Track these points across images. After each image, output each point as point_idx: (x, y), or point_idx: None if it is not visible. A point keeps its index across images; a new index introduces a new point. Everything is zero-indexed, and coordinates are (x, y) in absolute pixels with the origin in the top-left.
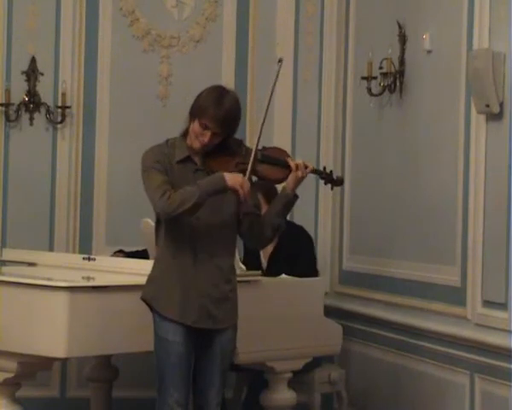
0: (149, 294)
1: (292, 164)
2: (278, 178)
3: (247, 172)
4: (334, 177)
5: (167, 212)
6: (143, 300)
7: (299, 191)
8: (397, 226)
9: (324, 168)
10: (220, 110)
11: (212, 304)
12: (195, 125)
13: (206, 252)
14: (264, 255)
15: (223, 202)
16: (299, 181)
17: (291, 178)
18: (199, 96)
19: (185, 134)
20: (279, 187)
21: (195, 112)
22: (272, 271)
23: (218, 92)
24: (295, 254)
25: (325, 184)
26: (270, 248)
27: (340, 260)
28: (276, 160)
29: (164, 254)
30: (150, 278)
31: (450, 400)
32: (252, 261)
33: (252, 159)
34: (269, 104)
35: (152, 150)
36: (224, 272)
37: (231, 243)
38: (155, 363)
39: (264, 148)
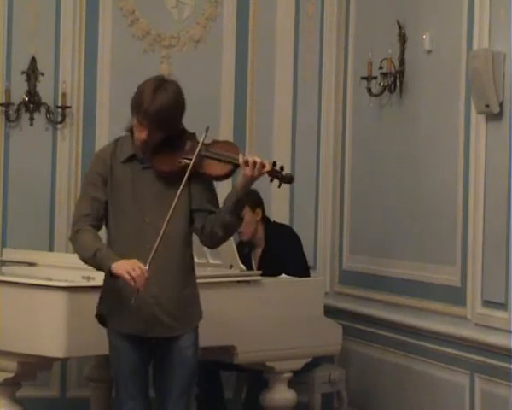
0: (102, 309)
1: (240, 160)
2: (219, 174)
3: (188, 169)
4: (284, 173)
5: (71, 242)
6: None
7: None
8: (397, 226)
9: (274, 163)
10: (152, 107)
11: (161, 311)
12: (134, 121)
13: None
14: (255, 259)
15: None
16: (248, 179)
17: (240, 175)
18: (136, 90)
19: (132, 131)
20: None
21: (133, 108)
22: (262, 274)
23: (153, 87)
24: (283, 256)
25: (271, 181)
26: (259, 252)
27: (340, 260)
28: (220, 155)
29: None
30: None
31: (450, 400)
32: (244, 265)
33: (195, 154)
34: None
35: (95, 158)
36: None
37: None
38: (112, 373)
39: (213, 141)
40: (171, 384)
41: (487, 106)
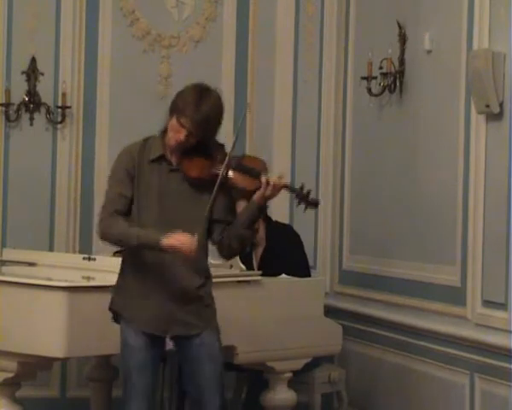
0: (117, 304)
1: (263, 180)
2: (247, 188)
3: (218, 179)
4: (310, 198)
5: (100, 237)
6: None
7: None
8: (397, 226)
9: (302, 187)
10: (198, 112)
11: (181, 308)
12: (173, 122)
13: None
14: (256, 258)
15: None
16: (265, 198)
17: (258, 192)
18: (180, 93)
19: (163, 132)
20: None
21: (174, 108)
22: (263, 274)
23: (199, 92)
24: (284, 255)
25: (298, 204)
26: (260, 251)
27: (340, 260)
28: (249, 169)
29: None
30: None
31: (450, 400)
32: (245, 265)
33: (224, 165)
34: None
35: (123, 154)
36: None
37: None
38: (120, 370)
39: (243, 156)
40: (203, 382)
41: (487, 106)
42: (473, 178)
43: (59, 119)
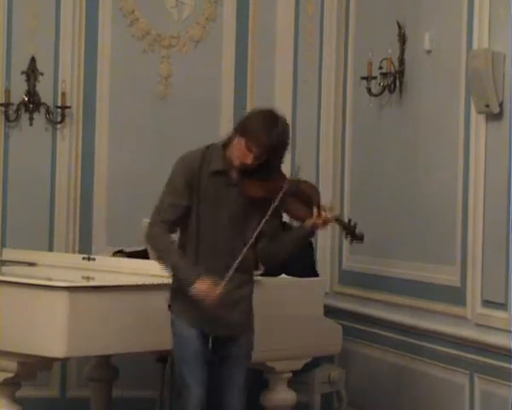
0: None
1: (314, 211)
2: (300, 216)
3: (274, 204)
4: (357, 232)
5: (145, 241)
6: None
7: None
8: (397, 226)
9: (349, 221)
10: (268, 140)
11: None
12: (241, 144)
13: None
14: None
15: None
16: (316, 227)
17: (310, 220)
18: (250, 117)
19: (225, 145)
20: None
21: (244, 131)
22: (263, 274)
23: (270, 119)
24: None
25: (345, 236)
26: None
27: (339, 260)
28: (304, 198)
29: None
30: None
31: (450, 400)
32: None
33: (282, 191)
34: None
35: (182, 162)
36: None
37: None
38: (175, 362)
39: (299, 182)
40: (231, 381)
41: (487, 106)
42: (473, 178)
43: (58, 119)
